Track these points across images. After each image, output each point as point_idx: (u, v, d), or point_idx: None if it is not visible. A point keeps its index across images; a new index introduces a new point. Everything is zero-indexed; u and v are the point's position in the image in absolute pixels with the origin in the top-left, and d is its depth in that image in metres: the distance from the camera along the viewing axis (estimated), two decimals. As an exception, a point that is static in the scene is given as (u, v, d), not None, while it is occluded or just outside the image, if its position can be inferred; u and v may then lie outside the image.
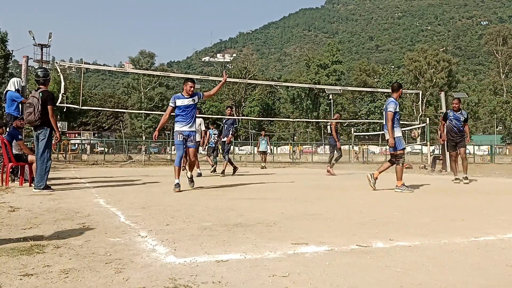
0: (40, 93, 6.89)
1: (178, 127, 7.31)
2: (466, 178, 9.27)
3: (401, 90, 7.76)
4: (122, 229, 3.56)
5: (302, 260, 2.56)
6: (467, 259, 2.62)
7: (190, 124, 7.33)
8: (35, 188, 6.82)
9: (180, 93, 7.48)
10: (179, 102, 7.28)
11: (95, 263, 2.48)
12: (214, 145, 13.04)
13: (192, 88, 7.32)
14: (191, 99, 7.32)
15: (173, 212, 4.59)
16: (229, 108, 12.87)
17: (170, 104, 7.36)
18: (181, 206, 5.16)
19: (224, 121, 12.40)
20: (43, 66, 38.11)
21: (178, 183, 7.09)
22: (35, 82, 7.21)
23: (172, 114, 7.45)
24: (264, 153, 21.19)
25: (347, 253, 2.76)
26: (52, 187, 7.12)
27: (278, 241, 3.08)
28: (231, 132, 12.11)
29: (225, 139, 12.12)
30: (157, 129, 7.42)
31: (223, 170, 12.01)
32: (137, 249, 2.85)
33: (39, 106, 6.81)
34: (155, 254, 2.69)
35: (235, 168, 12.49)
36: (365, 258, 2.63)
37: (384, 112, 7.69)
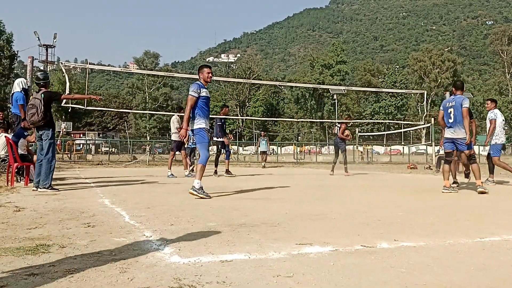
0: (42, 94, 6.96)
1: (202, 123, 6.20)
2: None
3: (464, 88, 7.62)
4: (127, 229, 3.56)
5: (306, 261, 2.56)
6: (472, 259, 2.60)
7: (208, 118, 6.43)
8: (40, 188, 6.84)
9: (198, 82, 6.38)
10: (203, 92, 6.26)
11: (100, 263, 2.49)
12: (194, 146, 12.90)
13: (210, 74, 6.41)
14: (207, 91, 6.44)
15: (177, 212, 4.60)
16: (226, 108, 12.79)
17: (193, 94, 6.16)
18: (186, 206, 5.17)
19: (222, 121, 12.22)
20: (43, 68, 38.23)
21: (201, 187, 6.00)
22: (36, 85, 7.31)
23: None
24: (264, 153, 21.81)
25: (351, 253, 2.76)
26: (56, 187, 7.17)
27: (282, 241, 3.08)
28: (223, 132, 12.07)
29: (222, 139, 12.02)
30: (184, 128, 6.21)
31: (227, 170, 12.05)
32: (142, 249, 2.85)
33: (42, 107, 6.86)
34: (160, 254, 2.70)
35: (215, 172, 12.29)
36: (369, 258, 2.63)
37: (453, 109, 7.30)
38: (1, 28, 53.08)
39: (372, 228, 3.67)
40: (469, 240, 3.19)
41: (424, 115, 24.37)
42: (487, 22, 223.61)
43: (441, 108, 7.60)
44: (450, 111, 7.33)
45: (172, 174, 11.25)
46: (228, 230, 3.50)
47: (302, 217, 4.28)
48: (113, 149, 41.34)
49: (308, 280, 2.17)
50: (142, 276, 2.23)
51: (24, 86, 8.95)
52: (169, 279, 2.17)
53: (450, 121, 7.32)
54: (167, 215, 4.38)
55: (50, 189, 6.83)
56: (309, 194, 7.01)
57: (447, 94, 16.47)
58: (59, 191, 6.90)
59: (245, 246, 2.91)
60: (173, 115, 12.46)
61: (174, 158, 12.25)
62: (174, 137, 11.85)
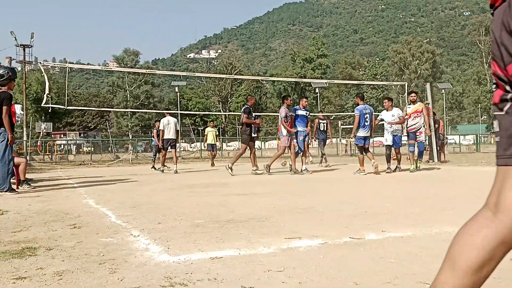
0: None
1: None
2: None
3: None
4: (114, 229, 3.53)
5: (296, 254, 2.57)
6: (458, 247, 2.63)
7: None
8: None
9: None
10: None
11: (88, 264, 2.46)
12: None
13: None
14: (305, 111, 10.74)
15: (164, 210, 4.57)
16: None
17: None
18: (172, 204, 5.14)
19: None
20: (21, 69, 37.37)
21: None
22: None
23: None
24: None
25: (340, 245, 2.77)
26: (33, 185, 7.23)
27: (271, 236, 3.09)
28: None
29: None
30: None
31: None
32: (130, 248, 2.83)
33: None
34: (149, 253, 2.68)
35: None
36: (358, 250, 2.65)
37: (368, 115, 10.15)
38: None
39: (359, 219, 3.70)
40: (455, 228, 3.22)
41: (405, 106, 24.63)
42: (464, 13, 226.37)
43: (358, 113, 9.91)
44: (367, 117, 9.82)
45: (159, 169, 12.30)
46: (216, 227, 3.50)
47: (289, 211, 4.29)
48: (95, 148, 40.79)
49: (299, 273, 2.18)
50: (132, 276, 2.21)
51: None
52: (159, 278, 2.16)
53: (366, 124, 9.85)
54: (153, 213, 4.35)
55: (9, 192, 6.62)
56: (294, 187, 7.03)
57: (428, 85, 16.66)
58: (18, 192, 6.76)
59: (235, 242, 2.90)
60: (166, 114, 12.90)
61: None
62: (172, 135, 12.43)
